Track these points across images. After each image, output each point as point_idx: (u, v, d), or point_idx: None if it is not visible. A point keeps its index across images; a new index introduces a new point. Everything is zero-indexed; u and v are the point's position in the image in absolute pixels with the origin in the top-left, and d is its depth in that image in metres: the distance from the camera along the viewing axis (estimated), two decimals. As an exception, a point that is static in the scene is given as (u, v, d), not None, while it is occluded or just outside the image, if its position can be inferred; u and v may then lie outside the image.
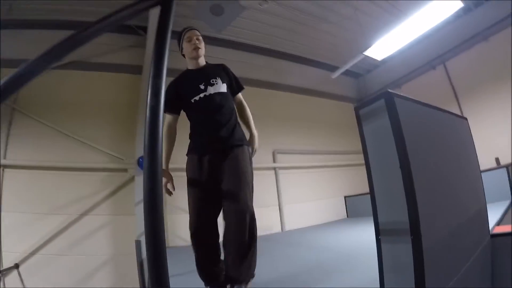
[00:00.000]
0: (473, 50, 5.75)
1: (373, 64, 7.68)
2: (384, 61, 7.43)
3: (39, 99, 4.14)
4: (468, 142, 2.62)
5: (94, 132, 4.38)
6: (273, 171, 5.65)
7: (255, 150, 1.82)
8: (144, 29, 4.58)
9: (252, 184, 1.77)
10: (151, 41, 4.49)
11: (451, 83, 6.17)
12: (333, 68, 7.13)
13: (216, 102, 1.77)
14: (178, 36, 1.92)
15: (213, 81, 1.81)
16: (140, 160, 4.04)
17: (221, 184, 1.70)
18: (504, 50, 5.09)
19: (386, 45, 4.82)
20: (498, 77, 5.33)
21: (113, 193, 4.26)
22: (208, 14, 3.66)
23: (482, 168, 2.87)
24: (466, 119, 2.77)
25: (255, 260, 1.71)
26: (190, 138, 1.87)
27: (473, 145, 2.70)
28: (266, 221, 5.17)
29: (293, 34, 5.76)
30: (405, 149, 1.45)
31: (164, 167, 1.73)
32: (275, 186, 5.56)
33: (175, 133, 1.89)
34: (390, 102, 1.53)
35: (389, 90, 1.60)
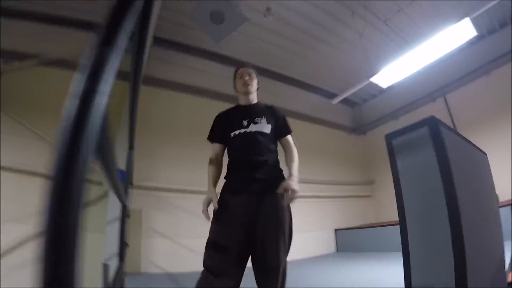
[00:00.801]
0: (474, 83, 5.72)
1: (370, 94, 7.61)
2: (381, 91, 7.39)
3: (20, 99, 3.76)
4: (488, 178, 2.35)
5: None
6: None
7: (292, 192, 1.49)
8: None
9: (290, 232, 1.60)
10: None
11: (450, 116, 6.07)
12: (330, 95, 6.99)
13: (255, 140, 1.70)
14: (234, 73, 1.95)
15: (257, 119, 1.76)
16: (121, 173, 3.64)
17: (252, 230, 1.53)
18: (505, 85, 5.04)
19: (391, 73, 4.68)
20: (499, 111, 5.28)
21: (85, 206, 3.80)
22: (208, 21, 3.42)
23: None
24: (486, 154, 2.52)
25: None
26: (225, 177, 1.73)
27: (492, 182, 2.44)
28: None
29: (293, 56, 5.61)
30: (454, 192, 1.16)
31: (212, 187, 1.65)
32: None
33: (221, 163, 1.78)
34: (435, 130, 1.23)
35: (434, 116, 1.29)
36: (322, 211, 6.17)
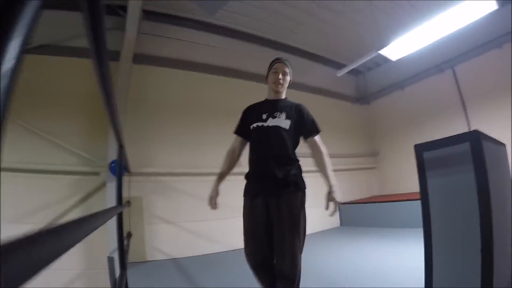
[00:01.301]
0: (485, 56, 5.37)
1: (375, 62, 7.20)
2: (386, 60, 6.99)
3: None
4: (507, 172, 2.16)
5: (61, 128, 3.74)
6: None
7: (337, 204, 1.59)
8: (124, 9, 3.91)
9: (304, 231, 1.67)
10: (132, 23, 3.93)
11: (458, 89, 5.78)
12: (334, 64, 6.63)
13: (271, 135, 1.73)
14: (269, 65, 1.93)
15: (276, 113, 1.77)
16: (112, 164, 3.46)
17: (272, 227, 1.66)
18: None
19: (402, 45, 4.32)
20: (508, 87, 4.98)
21: (83, 200, 3.67)
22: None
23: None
24: (504, 145, 2.30)
25: None
26: (245, 175, 1.83)
27: (509, 175, 2.26)
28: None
29: (298, 25, 5.18)
30: (489, 212, 1.00)
31: (216, 183, 1.84)
32: None
33: (238, 156, 1.90)
34: (477, 148, 1.05)
35: (477, 131, 1.10)
36: (324, 185, 6.02)
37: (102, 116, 3.99)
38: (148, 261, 3.87)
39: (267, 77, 1.92)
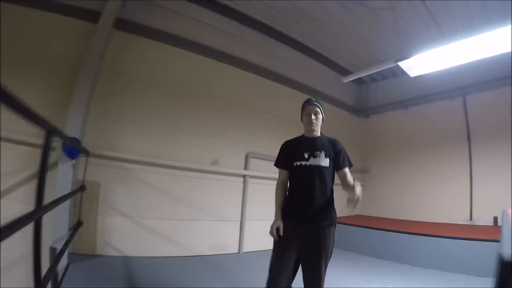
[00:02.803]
0: (498, 91, 5.04)
1: (381, 74, 6.78)
2: (394, 74, 6.57)
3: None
4: None
5: (21, 90, 3.18)
6: (241, 179, 4.65)
7: (357, 199, 1.80)
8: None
9: (331, 255, 1.92)
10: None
11: (466, 117, 5.43)
12: (341, 70, 6.18)
13: (313, 174, 1.94)
14: (301, 106, 2.15)
15: (317, 153, 1.98)
16: (66, 147, 2.93)
17: (302, 253, 1.90)
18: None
19: (419, 63, 3.89)
20: None
21: (32, 177, 3.14)
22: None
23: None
24: None
25: None
26: (285, 204, 2.02)
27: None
28: (223, 238, 4.31)
29: (312, 21, 4.64)
30: None
31: (278, 214, 1.97)
32: (241, 197, 4.58)
33: (286, 188, 2.08)
34: None
35: None
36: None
37: (66, 82, 3.45)
38: (98, 255, 3.41)
39: (301, 118, 2.14)
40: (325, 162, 1.96)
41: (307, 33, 5.03)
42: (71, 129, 3.04)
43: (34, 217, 1.41)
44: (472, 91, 5.36)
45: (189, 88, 4.29)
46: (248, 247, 4.48)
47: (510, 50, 3.29)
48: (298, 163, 1.97)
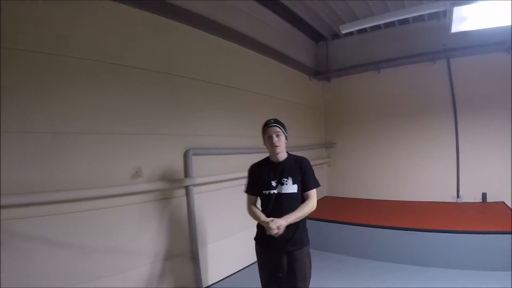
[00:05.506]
0: (490, 56, 4.38)
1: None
2: (364, 30, 5.42)
3: None
4: None
5: None
6: (183, 191, 3.02)
7: (278, 228, 1.81)
8: None
9: (310, 275, 2.01)
10: None
11: (450, 81, 4.64)
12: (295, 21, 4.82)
13: (281, 202, 1.95)
14: (262, 129, 2.11)
15: (283, 180, 1.97)
16: None
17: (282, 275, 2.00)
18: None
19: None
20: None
21: None
22: None
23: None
24: None
25: None
26: (257, 227, 2.07)
27: None
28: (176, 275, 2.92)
29: None
30: None
31: (262, 216, 1.96)
32: (186, 218, 3.01)
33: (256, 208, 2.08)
34: None
35: None
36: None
37: None
38: None
39: (264, 142, 2.10)
40: (292, 188, 1.97)
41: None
42: None
43: None
44: (459, 55, 4.57)
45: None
46: (212, 277, 3.23)
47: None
48: (267, 192, 1.99)
